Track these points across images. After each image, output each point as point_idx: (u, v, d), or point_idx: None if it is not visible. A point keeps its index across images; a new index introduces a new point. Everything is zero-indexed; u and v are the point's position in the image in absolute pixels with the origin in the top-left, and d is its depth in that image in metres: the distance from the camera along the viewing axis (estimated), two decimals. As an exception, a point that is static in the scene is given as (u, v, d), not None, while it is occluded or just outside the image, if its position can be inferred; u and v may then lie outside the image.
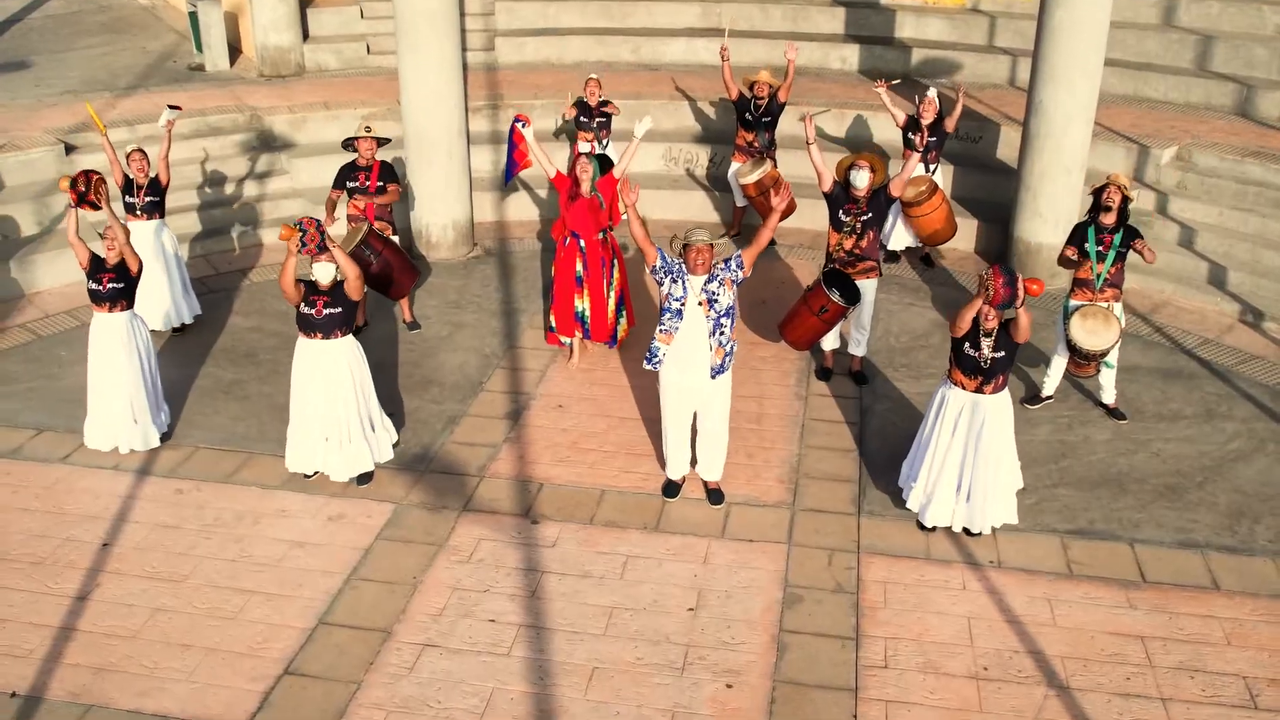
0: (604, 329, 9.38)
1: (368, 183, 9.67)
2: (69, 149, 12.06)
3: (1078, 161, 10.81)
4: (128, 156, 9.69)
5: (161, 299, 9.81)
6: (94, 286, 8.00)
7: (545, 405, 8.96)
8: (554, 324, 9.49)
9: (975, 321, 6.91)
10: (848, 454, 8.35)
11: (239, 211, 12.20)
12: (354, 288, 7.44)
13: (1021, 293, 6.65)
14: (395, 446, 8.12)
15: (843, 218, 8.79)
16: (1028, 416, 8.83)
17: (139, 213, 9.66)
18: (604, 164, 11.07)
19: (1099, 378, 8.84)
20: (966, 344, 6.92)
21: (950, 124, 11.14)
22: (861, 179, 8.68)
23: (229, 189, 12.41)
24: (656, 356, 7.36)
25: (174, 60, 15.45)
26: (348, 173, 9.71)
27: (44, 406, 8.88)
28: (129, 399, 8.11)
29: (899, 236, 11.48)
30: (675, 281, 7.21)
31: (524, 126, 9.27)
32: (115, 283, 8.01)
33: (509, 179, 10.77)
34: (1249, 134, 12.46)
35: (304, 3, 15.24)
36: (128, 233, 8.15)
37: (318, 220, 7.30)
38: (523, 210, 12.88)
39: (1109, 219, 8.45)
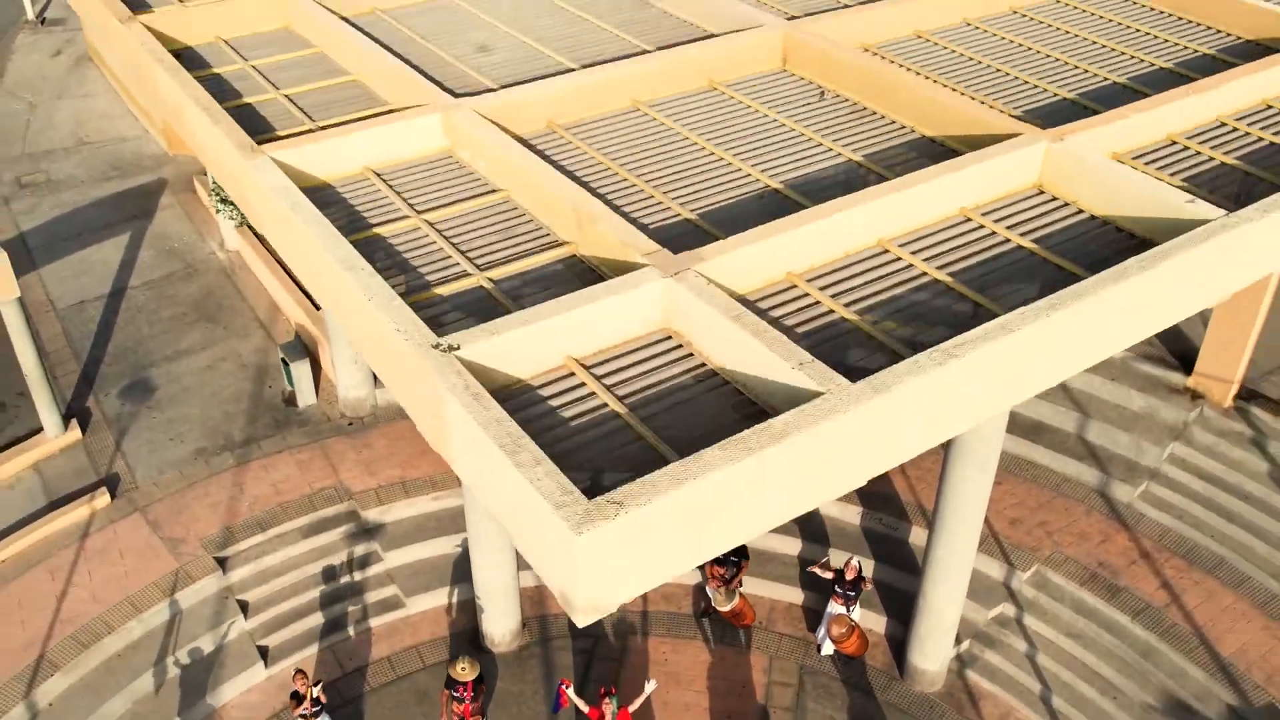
0: (618, 801, 14.56)
1: (466, 694, 14.53)
2: (224, 567, 16.70)
3: (952, 624, 15.57)
4: (293, 677, 14.49)
5: (326, 759, 14.92)
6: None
7: None
8: (584, 793, 14.65)
9: None
10: None
11: (349, 601, 17.00)
12: None
13: None
14: None
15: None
16: None
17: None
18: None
19: None
20: None
21: (865, 585, 15.84)
22: (788, 743, 13.60)
23: (340, 581, 17.14)
24: None
25: (270, 385, 19.61)
26: (453, 684, 14.54)
27: None
28: None
29: (827, 647, 16.41)
30: None
31: (567, 689, 14.07)
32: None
33: (555, 711, 15.59)
34: (1097, 534, 17.04)
35: (371, 342, 19.27)
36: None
37: None
38: (556, 578, 17.64)
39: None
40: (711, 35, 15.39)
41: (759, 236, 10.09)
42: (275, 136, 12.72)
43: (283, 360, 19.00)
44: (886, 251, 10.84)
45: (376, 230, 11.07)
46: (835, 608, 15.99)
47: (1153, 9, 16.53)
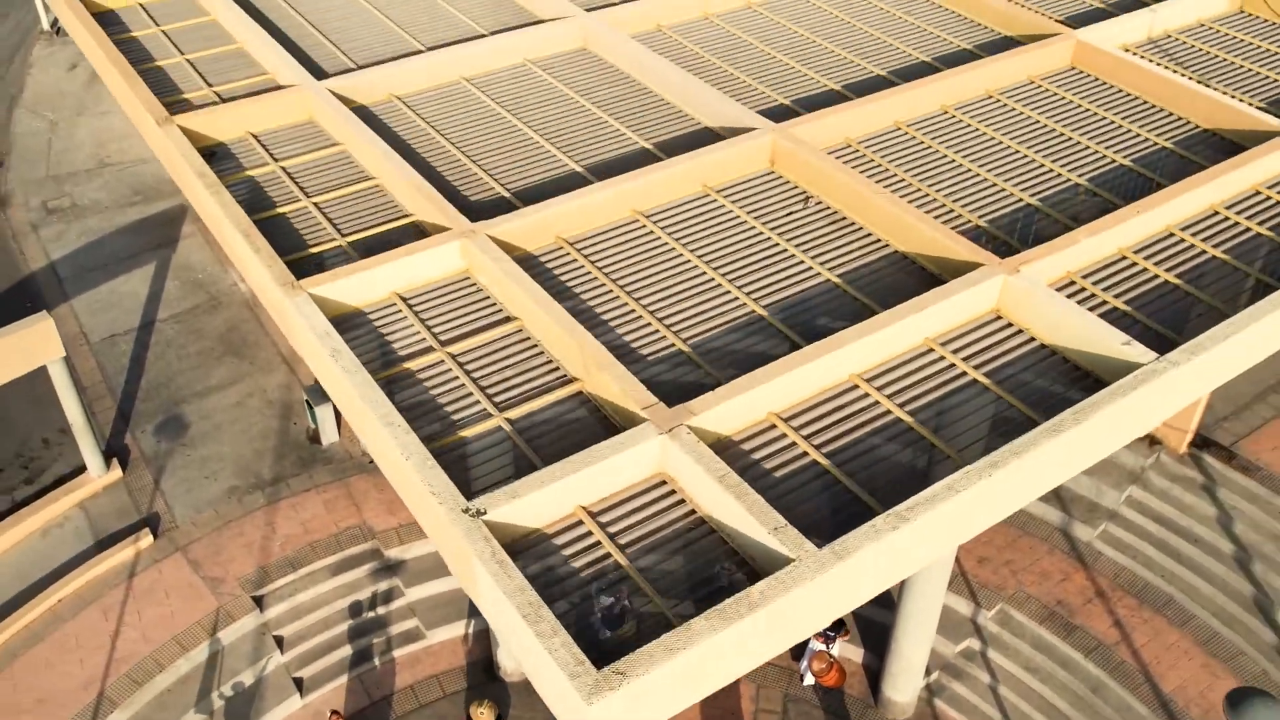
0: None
1: (485, 730, 16.43)
2: (260, 605, 18.49)
3: (921, 664, 17.40)
4: (329, 718, 16.35)
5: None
6: None
7: None
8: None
9: None
10: None
11: (374, 634, 18.84)
12: None
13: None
14: None
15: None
16: None
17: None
18: None
19: None
20: None
21: (845, 634, 17.65)
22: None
23: (366, 616, 18.95)
24: None
25: (295, 422, 21.23)
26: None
27: None
28: None
29: (809, 677, 18.29)
30: None
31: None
32: None
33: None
34: (1057, 572, 18.81)
35: (389, 385, 20.85)
36: None
37: None
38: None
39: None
40: (705, 127, 16.71)
41: (743, 387, 11.62)
42: (308, 255, 14.17)
43: (307, 401, 20.57)
44: (856, 387, 12.38)
45: (406, 365, 12.60)
46: (816, 645, 17.81)
47: (1120, 90, 17.80)
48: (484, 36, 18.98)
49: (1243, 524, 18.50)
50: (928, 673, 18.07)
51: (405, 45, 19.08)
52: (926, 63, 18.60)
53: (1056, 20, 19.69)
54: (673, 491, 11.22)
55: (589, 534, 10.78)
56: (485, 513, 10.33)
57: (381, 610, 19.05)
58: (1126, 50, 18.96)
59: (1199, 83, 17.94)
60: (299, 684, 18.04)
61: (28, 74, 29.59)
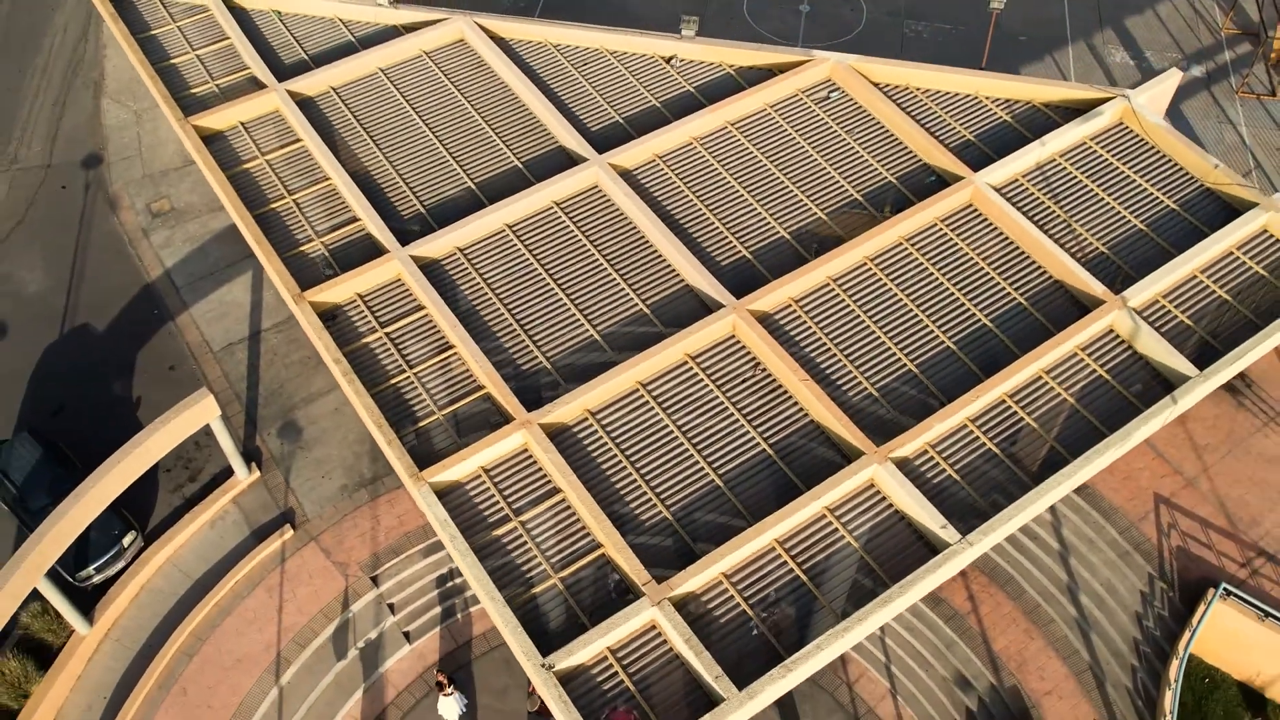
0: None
1: (534, 684, 26.23)
2: (376, 582, 27.86)
3: (831, 635, 26.97)
4: (437, 674, 26.08)
5: None
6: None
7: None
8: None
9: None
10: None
11: (456, 596, 28.32)
12: None
13: None
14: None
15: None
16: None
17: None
18: None
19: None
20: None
21: (780, 609, 27.16)
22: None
23: (449, 585, 28.34)
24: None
25: (381, 428, 29.75)
26: (525, 680, 26.22)
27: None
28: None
29: (758, 631, 28.00)
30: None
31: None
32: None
33: None
34: (936, 556, 28.04)
35: (452, 405, 29.24)
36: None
37: None
38: (586, 575, 28.87)
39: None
40: (687, 286, 24.26)
41: (706, 563, 20.24)
42: (420, 429, 22.31)
43: (392, 420, 28.95)
44: (774, 550, 20.99)
45: (494, 532, 21.13)
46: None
47: (1000, 235, 25.08)
48: (519, 172, 25.87)
49: (1068, 529, 27.46)
50: (840, 627, 27.55)
51: (459, 180, 26.01)
52: (858, 201, 25.64)
53: (965, 140, 26.43)
54: (659, 634, 20.12)
55: (610, 667, 19.80)
56: (554, 666, 19.28)
57: (459, 580, 28.35)
58: (1015, 180, 25.90)
59: (1065, 220, 25.08)
60: (407, 636, 27.58)
61: (105, 59, 35.56)
